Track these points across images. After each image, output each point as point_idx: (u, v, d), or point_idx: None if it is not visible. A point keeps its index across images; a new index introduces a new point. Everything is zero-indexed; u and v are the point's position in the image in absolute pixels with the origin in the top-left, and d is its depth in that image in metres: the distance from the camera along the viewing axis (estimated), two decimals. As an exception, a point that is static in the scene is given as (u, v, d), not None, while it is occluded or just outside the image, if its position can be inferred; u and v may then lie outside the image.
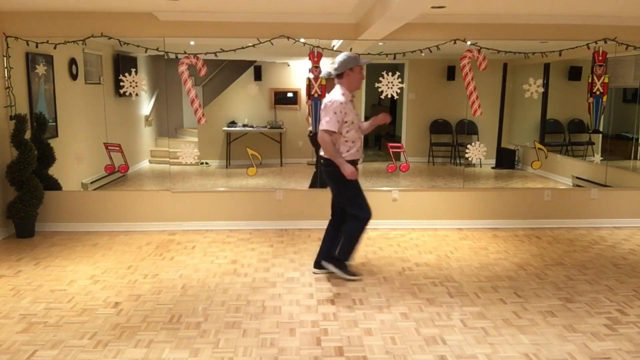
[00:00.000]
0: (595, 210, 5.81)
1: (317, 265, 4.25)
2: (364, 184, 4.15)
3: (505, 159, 7.39)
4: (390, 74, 5.53)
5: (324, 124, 3.84)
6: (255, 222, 5.63)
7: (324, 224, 5.63)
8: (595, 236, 5.38)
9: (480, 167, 6.98)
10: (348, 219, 4.04)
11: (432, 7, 4.59)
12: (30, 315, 3.47)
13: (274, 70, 8.04)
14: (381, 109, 8.93)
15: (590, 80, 5.70)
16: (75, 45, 5.29)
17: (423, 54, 5.46)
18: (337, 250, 4.08)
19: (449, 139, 7.39)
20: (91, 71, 6.15)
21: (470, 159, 5.77)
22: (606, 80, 5.64)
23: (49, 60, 5.55)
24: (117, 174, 5.84)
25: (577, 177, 6.52)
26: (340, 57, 3.92)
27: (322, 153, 3.98)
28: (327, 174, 4.01)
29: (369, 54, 5.61)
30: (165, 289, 3.94)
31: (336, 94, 3.91)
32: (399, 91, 5.55)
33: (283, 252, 4.83)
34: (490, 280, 4.11)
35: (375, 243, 5.12)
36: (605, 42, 5.52)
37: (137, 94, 5.47)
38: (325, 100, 3.95)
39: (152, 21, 5.29)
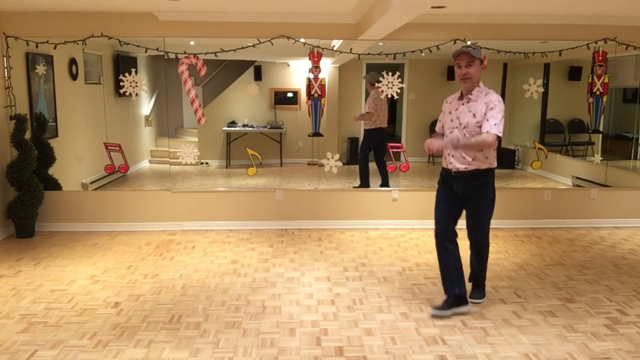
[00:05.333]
0: (595, 210, 5.80)
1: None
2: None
3: (505, 159, 7.39)
4: (390, 74, 5.53)
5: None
6: (255, 222, 5.63)
7: (324, 224, 5.68)
8: (595, 236, 5.38)
9: (480, 167, 6.97)
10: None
11: (432, 7, 4.59)
12: (30, 315, 3.47)
13: (274, 70, 8.04)
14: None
15: (590, 80, 5.70)
16: (75, 45, 5.29)
17: (423, 54, 5.45)
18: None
19: (449, 139, 7.38)
20: (91, 71, 6.15)
21: (470, 159, 5.76)
22: (606, 80, 5.64)
23: (49, 60, 5.55)
24: (117, 174, 5.84)
25: (577, 177, 6.52)
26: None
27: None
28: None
29: (369, 54, 5.61)
30: (165, 289, 3.94)
31: None
32: (399, 91, 5.55)
33: (283, 252, 4.83)
34: (490, 280, 4.10)
35: (375, 243, 5.12)
36: (605, 42, 5.52)
37: (137, 94, 5.46)
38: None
39: (152, 21, 5.29)
